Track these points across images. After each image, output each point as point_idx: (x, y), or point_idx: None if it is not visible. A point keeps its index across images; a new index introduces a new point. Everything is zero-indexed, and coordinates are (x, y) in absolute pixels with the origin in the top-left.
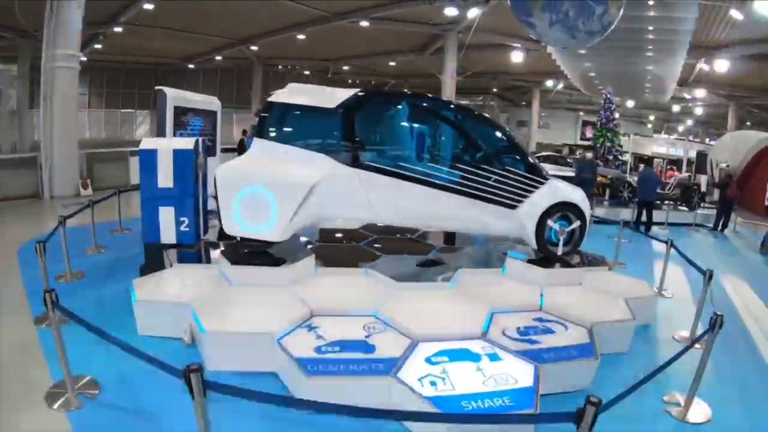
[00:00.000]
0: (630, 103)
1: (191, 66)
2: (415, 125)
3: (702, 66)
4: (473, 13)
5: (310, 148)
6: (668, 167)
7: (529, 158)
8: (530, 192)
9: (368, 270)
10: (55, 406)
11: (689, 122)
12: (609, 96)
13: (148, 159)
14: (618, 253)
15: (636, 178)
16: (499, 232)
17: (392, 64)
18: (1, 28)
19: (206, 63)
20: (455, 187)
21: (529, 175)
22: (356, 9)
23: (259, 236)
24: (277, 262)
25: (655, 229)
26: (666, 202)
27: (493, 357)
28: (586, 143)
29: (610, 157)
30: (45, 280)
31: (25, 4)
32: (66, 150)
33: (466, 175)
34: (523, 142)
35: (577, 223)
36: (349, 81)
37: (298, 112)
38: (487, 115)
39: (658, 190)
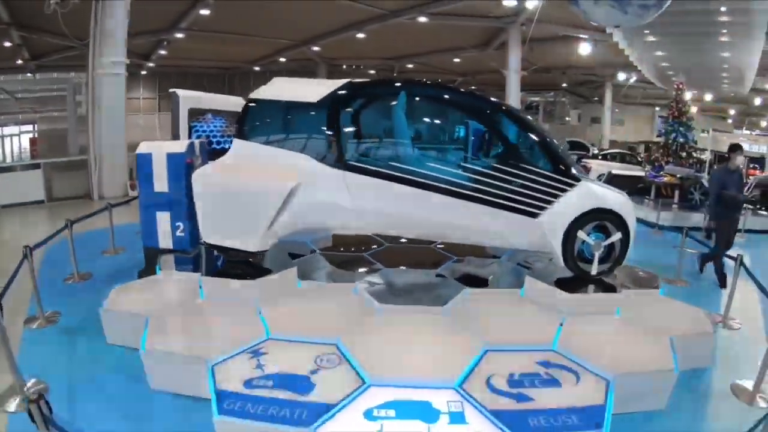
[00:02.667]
0: (708, 97)
1: (257, 68)
2: (410, 117)
3: None
4: (532, 3)
5: (290, 149)
6: (750, 165)
7: (558, 153)
8: (556, 196)
9: (358, 287)
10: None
11: None
12: (681, 86)
13: (145, 163)
14: (681, 268)
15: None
16: (518, 245)
17: (457, 60)
18: (71, 39)
19: (271, 65)
20: (459, 190)
21: (554, 176)
22: (413, 4)
23: (236, 245)
24: (259, 273)
25: None
26: (744, 205)
27: (457, 417)
28: (659, 140)
29: (683, 155)
30: (33, 280)
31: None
32: (114, 153)
33: (472, 175)
34: (596, 139)
35: (617, 236)
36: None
37: (278, 109)
38: (502, 102)
39: None
